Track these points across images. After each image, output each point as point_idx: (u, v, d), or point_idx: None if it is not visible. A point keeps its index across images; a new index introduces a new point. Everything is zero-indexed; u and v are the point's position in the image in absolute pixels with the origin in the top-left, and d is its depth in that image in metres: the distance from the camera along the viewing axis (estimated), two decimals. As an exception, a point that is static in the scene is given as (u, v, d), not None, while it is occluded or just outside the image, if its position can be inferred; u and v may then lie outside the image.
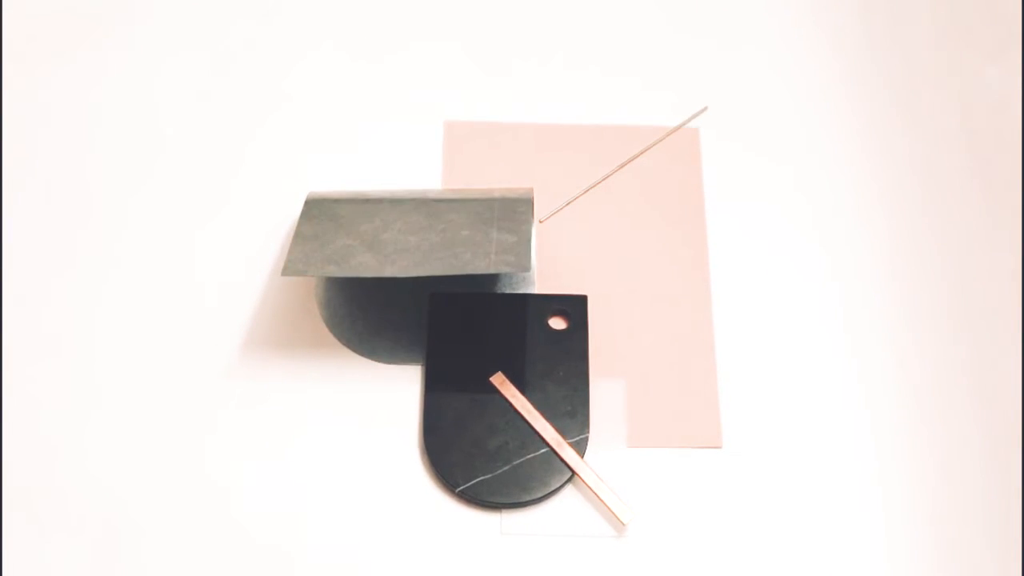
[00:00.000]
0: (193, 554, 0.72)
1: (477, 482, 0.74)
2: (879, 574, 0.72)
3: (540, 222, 0.82)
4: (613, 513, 0.73)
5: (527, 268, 0.72)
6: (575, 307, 0.80)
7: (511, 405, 0.76)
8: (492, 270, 0.72)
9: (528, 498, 0.73)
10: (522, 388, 0.76)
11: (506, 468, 0.74)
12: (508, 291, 0.80)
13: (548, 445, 0.75)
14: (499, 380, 0.76)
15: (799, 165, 0.88)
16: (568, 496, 0.74)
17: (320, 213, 0.78)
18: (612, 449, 0.76)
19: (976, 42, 0.93)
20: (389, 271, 0.73)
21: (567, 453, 0.74)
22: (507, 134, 0.89)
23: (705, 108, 0.73)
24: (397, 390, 0.77)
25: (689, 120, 0.73)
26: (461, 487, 0.73)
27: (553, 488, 0.74)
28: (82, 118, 0.89)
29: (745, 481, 0.75)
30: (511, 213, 0.77)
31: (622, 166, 0.78)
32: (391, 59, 0.92)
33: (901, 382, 0.79)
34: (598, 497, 0.73)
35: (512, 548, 0.73)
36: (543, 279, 0.82)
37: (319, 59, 0.92)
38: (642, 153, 0.77)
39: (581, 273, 0.82)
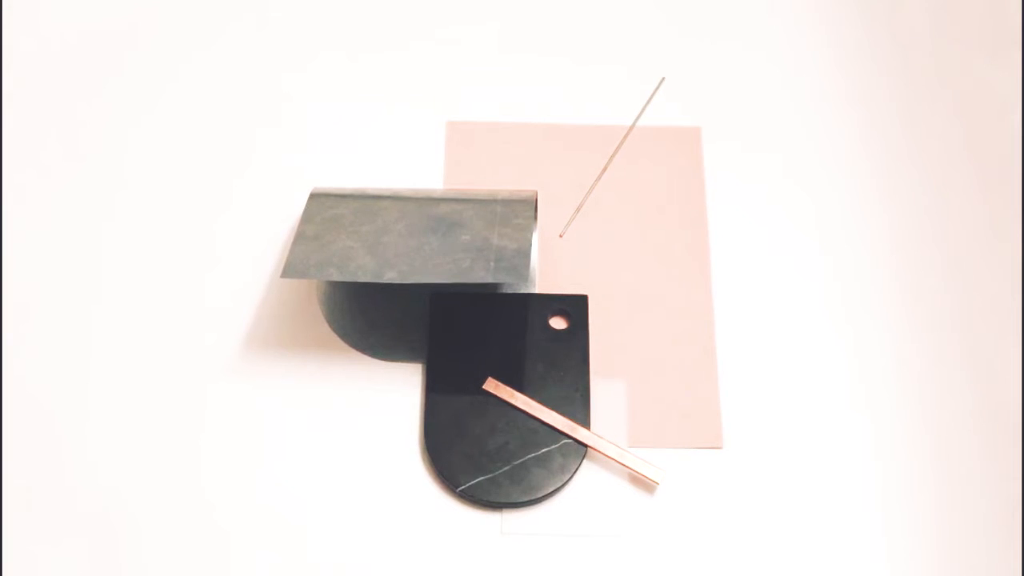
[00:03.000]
0: (192, 552, 0.72)
1: (478, 482, 0.74)
2: (879, 574, 0.72)
3: (560, 236, 0.82)
4: (644, 476, 0.73)
5: (525, 279, 0.72)
6: (576, 307, 0.80)
7: (512, 405, 0.76)
8: (490, 280, 0.72)
9: (529, 498, 0.73)
10: (522, 388, 0.76)
11: (507, 468, 0.74)
12: (509, 291, 0.80)
13: (561, 431, 0.75)
14: (492, 385, 0.76)
15: (800, 165, 0.88)
16: (569, 496, 0.74)
17: (322, 212, 0.78)
18: (613, 448, 0.76)
19: (977, 41, 0.93)
20: (388, 276, 0.73)
21: (582, 433, 0.75)
22: (509, 134, 0.89)
23: (663, 79, 0.73)
24: (398, 388, 0.77)
25: (652, 96, 0.73)
26: (462, 487, 0.74)
27: (554, 488, 0.74)
28: (84, 118, 0.89)
29: (746, 482, 0.75)
30: (513, 218, 0.77)
31: (610, 159, 0.78)
32: (393, 60, 0.92)
33: (902, 382, 0.79)
34: (624, 465, 0.74)
35: (513, 548, 0.73)
36: (544, 278, 0.82)
37: (321, 59, 0.92)
38: (622, 143, 0.76)
39: (581, 272, 0.82)
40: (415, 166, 0.87)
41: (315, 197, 0.80)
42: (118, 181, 0.86)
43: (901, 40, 0.93)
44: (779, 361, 0.79)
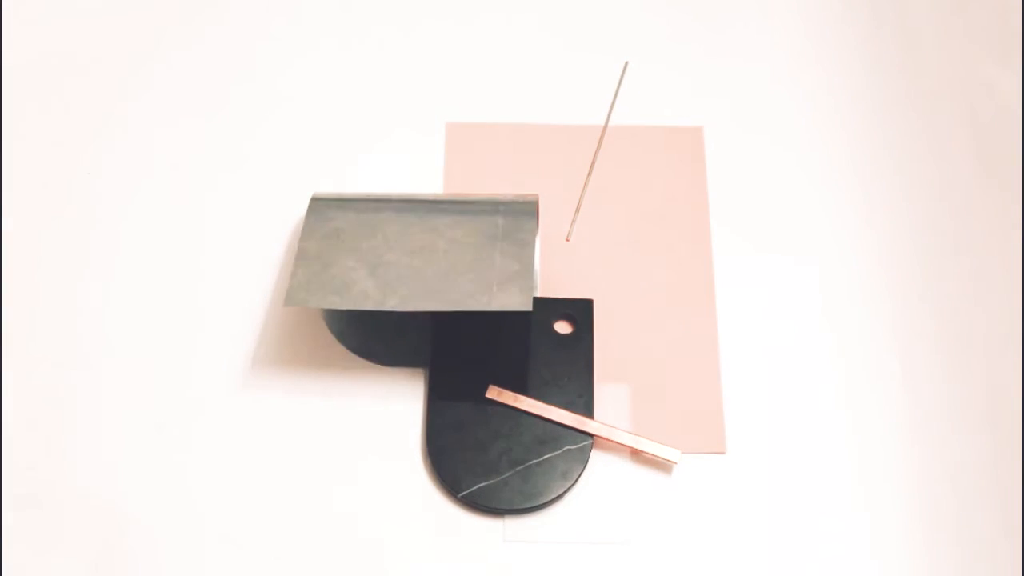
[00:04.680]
0: (196, 559, 0.72)
1: (480, 487, 0.73)
2: (884, 581, 0.72)
3: (567, 240, 0.82)
4: (661, 458, 0.74)
5: (528, 306, 0.72)
6: (581, 311, 0.79)
7: (517, 409, 0.75)
8: (493, 308, 0.72)
9: (531, 504, 0.73)
10: (526, 394, 0.76)
11: (509, 474, 0.74)
12: None
13: (570, 427, 0.75)
14: (495, 393, 0.76)
15: (803, 165, 0.87)
16: (571, 503, 0.74)
17: (322, 224, 0.78)
18: (615, 454, 0.75)
19: (982, 43, 0.92)
20: (390, 304, 0.73)
21: (592, 426, 0.75)
22: (508, 135, 0.88)
23: (627, 63, 0.73)
24: (401, 394, 0.77)
25: (620, 84, 0.73)
26: (463, 492, 0.73)
27: (556, 495, 0.73)
28: (84, 121, 0.88)
29: (749, 487, 0.75)
30: (515, 231, 0.76)
31: (596, 155, 0.77)
32: (392, 61, 0.92)
33: (906, 388, 0.78)
34: (638, 451, 0.74)
35: (515, 555, 0.72)
36: (547, 282, 0.81)
37: (320, 60, 0.92)
38: (603, 135, 0.76)
39: (584, 275, 0.82)
40: (415, 167, 0.86)
41: (315, 204, 0.79)
42: (119, 184, 0.85)
43: (905, 39, 0.93)
44: (782, 366, 0.79)
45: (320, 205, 0.79)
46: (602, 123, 0.88)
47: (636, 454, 0.75)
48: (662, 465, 0.75)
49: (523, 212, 0.78)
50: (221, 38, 0.93)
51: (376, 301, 0.73)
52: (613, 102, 0.74)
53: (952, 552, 0.73)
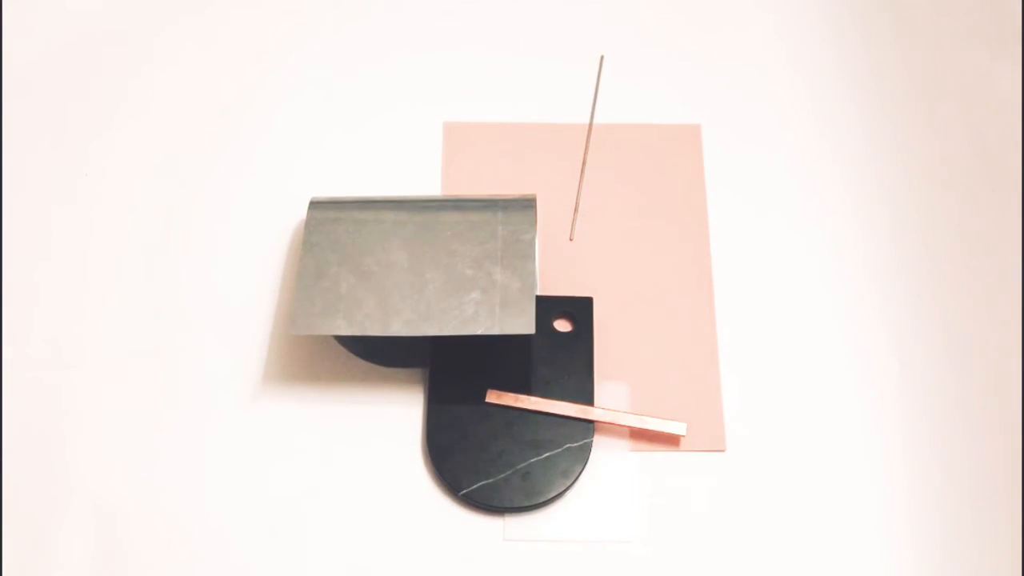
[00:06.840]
0: (198, 561, 0.72)
1: (480, 486, 0.73)
2: (885, 577, 0.72)
3: (570, 240, 0.82)
4: (669, 434, 0.74)
5: (531, 329, 0.72)
6: (580, 309, 0.79)
7: (519, 408, 0.75)
8: (495, 332, 0.72)
9: (532, 502, 0.73)
10: (527, 392, 0.76)
11: (509, 472, 0.74)
12: None
13: (572, 417, 0.75)
14: (495, 396, 0.76)
15: (801, 161, 0.87)
16: (571, 501, 0.74)
17: (322, 237, 0.77)
18: (615, 452, 0.75)
19: (978, 36, 0.92)
20: (395, 327, 0.74)
21: (595, 413, 0.75)
22: (506, 135, 0.88)
23: (603, 57, 0.73)
24: (401, 394, 0.77)
25: (598, 80, 0.73)
26: (464, 491, 0.73)
27: (556, 493, 0.73)
28: (83, 124, 0.88)
29: (749, 485, 0.75)
30: (515, 241, 0.76)
31: (585, 152, 0.77)
32: (390, 61, 0.92)
33: (907, 384, 0.78)
34: (645, 430, 0.75)
35: (515, 553, 0.72)
36: (546, 280, 0.81)
37: (317, 61, 0.92)
38: (589, 133, 0.76)
39: (583, 273, 0.82)
40: (413, 167, 0.86)
41: (314, 210, 0.79)
42: (115, 186, 0.85)
43: (902, 35, 0.93)
44: (782, 362, 0.79)
45: (319, 211, 0.79)
46: (600, 122, 0.88)
47: (637, 442, 0.75)
48: (662, 462, 0.75)
49: (522, 214, 0.78)
50: (217, 40, 0.92)
51: (380, 325, 0.74)
52: (595, 97, 0.74)
53: (953, 548, 0.73)
